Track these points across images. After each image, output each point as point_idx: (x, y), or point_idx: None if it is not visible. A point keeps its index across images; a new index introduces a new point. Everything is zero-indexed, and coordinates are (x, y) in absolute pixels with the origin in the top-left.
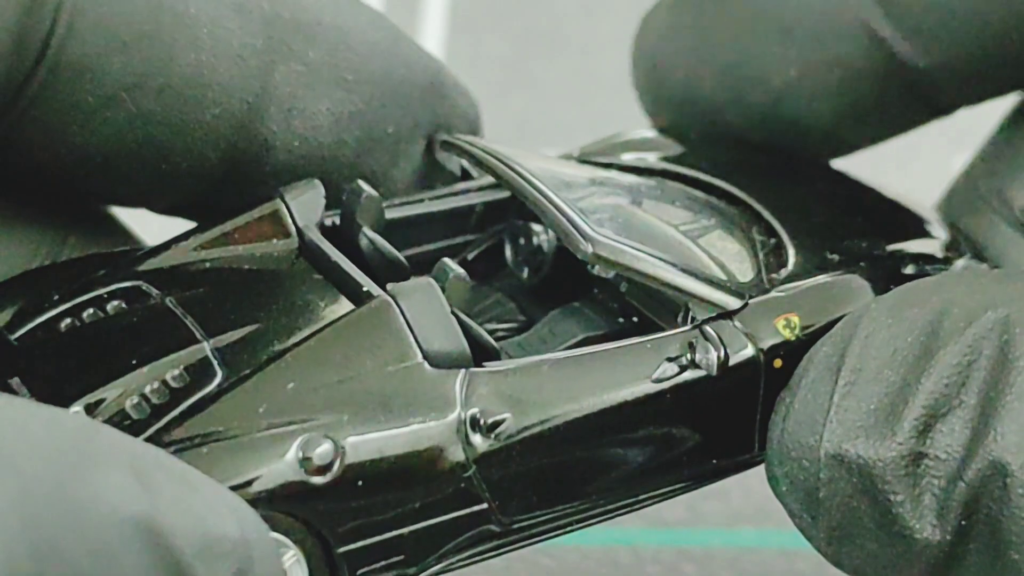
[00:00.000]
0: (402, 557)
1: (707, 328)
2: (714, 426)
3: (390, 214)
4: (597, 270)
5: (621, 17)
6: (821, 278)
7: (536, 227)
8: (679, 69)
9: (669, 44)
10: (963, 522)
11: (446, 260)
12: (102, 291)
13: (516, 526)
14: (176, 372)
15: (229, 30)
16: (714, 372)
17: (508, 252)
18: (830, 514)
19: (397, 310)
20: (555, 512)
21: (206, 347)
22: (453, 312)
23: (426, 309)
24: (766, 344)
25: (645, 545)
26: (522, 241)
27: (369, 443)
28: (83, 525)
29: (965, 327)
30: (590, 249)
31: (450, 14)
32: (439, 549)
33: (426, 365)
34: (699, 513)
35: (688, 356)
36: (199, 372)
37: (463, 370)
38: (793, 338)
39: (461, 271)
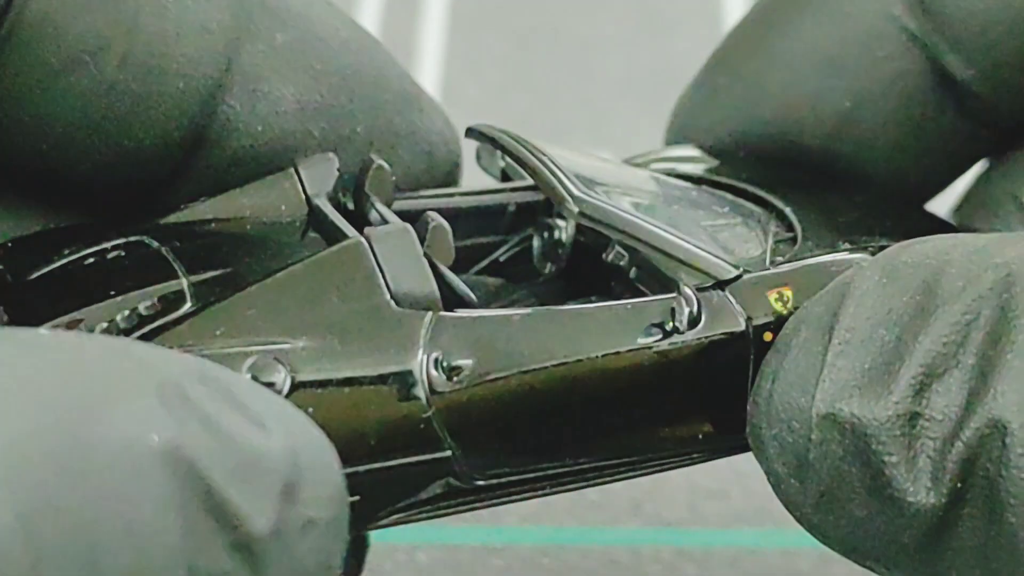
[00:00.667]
0: (358, 498)
1: (685, 289)
2: (700, 399)
3: (418, 204)
4: (611, 257)
5: (621, 17)
6: (823, 257)
7: (558, 221)
8: (725, 127)
9: (711, 109)
10: (959, 484)
11: (430, 212)
12: (107, 244)
13: (481, 482)
14: (149, 303)
15: (196, 1)
16: (684, 328)
17: (535, 249)
18: (819, 477)
19: (369, 250)
20: (521, 469)
21: (183, 282)
22: (433, 262)
23: (398, 252)
24: (757, 316)
25: (645, 545)
26: (545, 235)
27: (322, 370)
28: (105, 459)
29: (964, 286)
30: (575, 208)
31: (450, 14)
32: (399, 494)
33: (392, 304)
34: (699, 513)
35: (670, 322)
36: (170, 303)
37: (430, 313)
38: (785, 312)
39: (443, 222)
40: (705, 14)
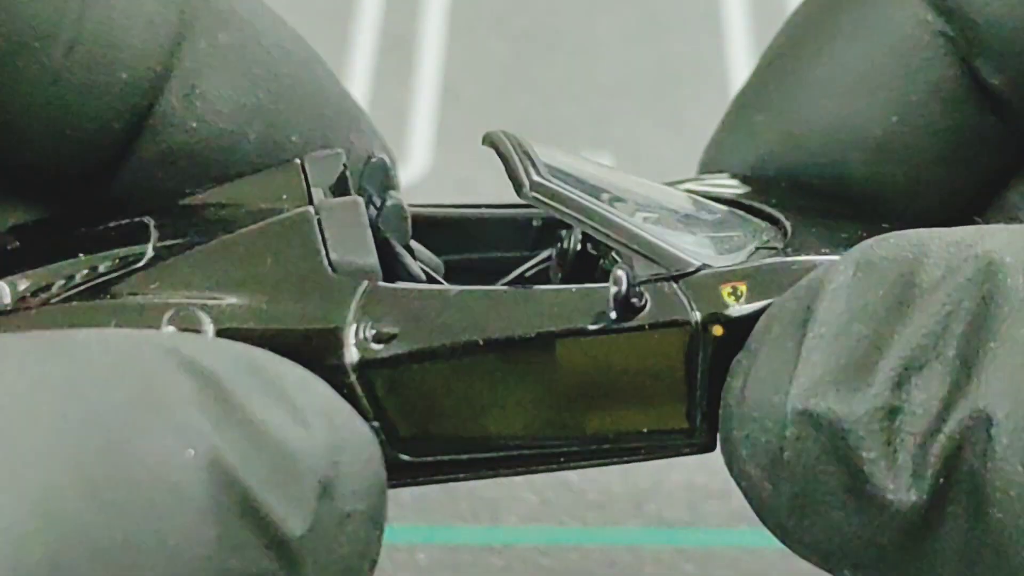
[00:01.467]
0: None
1: (617, 271)
2: (642, 389)
3: (439, 212)
4: (606, 263)
5: (621, 17)
6: (786, 257)
7: (564, 231)
8: (770, 165)
9: (751, 148)
10: (941, 480)
11: (392, 191)
12: (112, 223)
13: (406, 458)
14: (109, 263)
15: None
16: (611, 310)
17: (552, 262)
18: (794, 478)
19: (315, 219)
20: (446, 448)
21: (148, 247)
22: (387, 239)
23: (344, 223)
24: (705, 309)
25: (645, 545)
26: (558, 246)
27: (245, 327)
28: (142, 479)
29: (943, 276)
30: (528, 190)
31: (450, 14)
32: None
33: (329, 271)
34: (699, 513)
35: (613, 309)
36: (128, 263)
37: (365, 282)
38: (737, 306)
39: (400, 200)
40: (705, 15)
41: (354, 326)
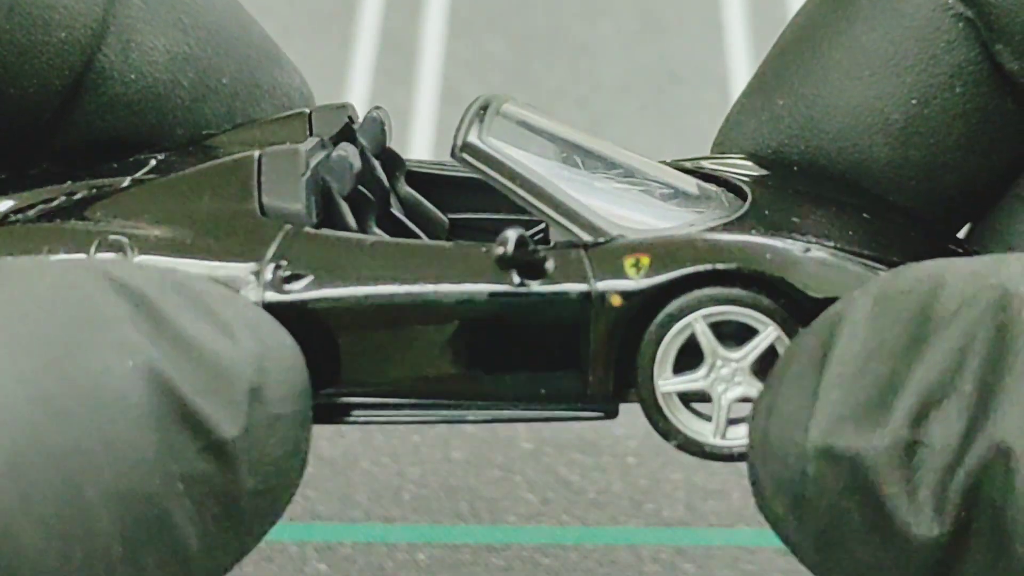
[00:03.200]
0: None
1: (507, 232)
2: (539, 350)
3: (446, 172)
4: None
5: (621, 18)
6: (691, 230)
7: None
8: (792, 150)
9: (773, 133)
10: (963, 514)
11: (344, 144)
12: (131, 159)
13: (315, 401)
14: (84, 193)
15: None
16: (494, 269)
17: None
18: (818, 514)
19: (255, 164)
20: (351, 391)
21: (127, 179)
22: (329, 190)
23: (281, 169)
24: (605, 278)
25: (644, 544)
26: None
27: (164, 259)
28: (88, 390)
29: (957, 310)
30: (458, 151)
31: (450, 15)
32: None
33: (258, 213)
34: (699, 513)
35: (500, 270)
36: (97, 192)
37: (289, 225)
38: (636, 277)
39: (351, 159)
40: (705, 15)
41: (271, 266)
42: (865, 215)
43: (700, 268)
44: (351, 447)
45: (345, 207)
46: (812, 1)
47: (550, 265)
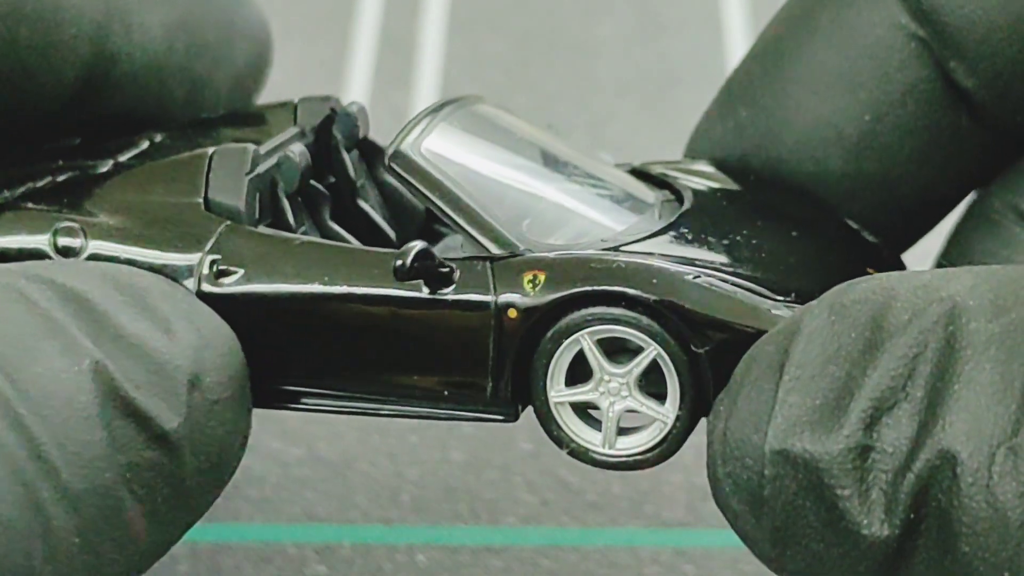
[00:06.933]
0: None
1: (410, 244)
2: (443, 356)
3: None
4: None
5: (621, 17)
6: (587, 251)
7: None
8: (754, 160)
9: (736, 143)
10: (912, 515)
11: (292, 148)
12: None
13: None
14: (69, 174)
15: None
16: (396, 281)
17: None
18: (774, 513)
19: (207, 160)
20: (276, 379)
21: (109, 163)
22: (275, 189)
23: (229, 166)
24: (502, 292)
25: (644, 545)
26: None
27: (113, 247)
28: (42, 394)
29: (909, 319)
30: (386, 160)
31: (450, 15)
32: None
33: (202, 208)
34: (699, 513)
35: (397, 278)
36: (78, 176)
37: (227, 222)
38: (532, 293)
39: (297, 160)
40: (705, 15)
41: (208, 259)
42: (794, 233)
43: (587, 289)
44: (349, 448)
45: (287, 205)
46: (780, 15)
47: (457, 275)
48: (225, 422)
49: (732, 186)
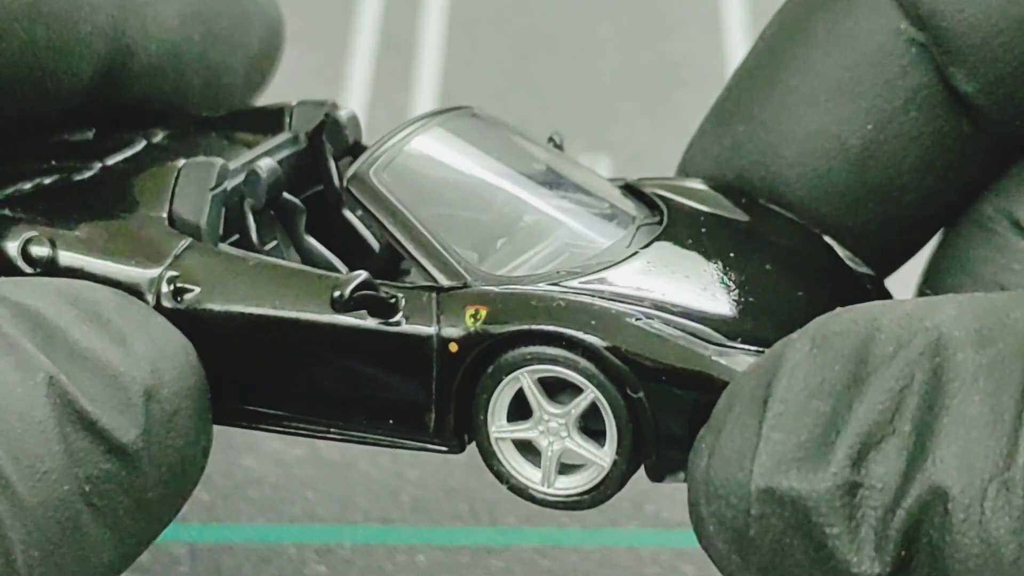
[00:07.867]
0: None
1: (352, 275)
2: (386, 386)
3: None
4: None
5: (621, 18)
6: (532, 287)
7: None
8: (753, 176)
9: (734, 159)
10: (903, 552)
11: (260, 163)
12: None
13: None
14: (55, 176)
15: None
16: (336, 309)
17: None
18: (761, 553)
19: (175, 174)
20: (229, 398)
21: (97, 165)
22: (242, 205)
23: (195, 181)
24: (446, 325)
25: (644, 546)
26: None
27: (79, 259)
28: (2, 411)
29: (895, 352)
30: (344, 183)
31: (449, 15)
32: None
33: (166, 222)
34: None
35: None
36: (63, 179)
37: (188, 239)
38: (473, 328)
39: (260, 171)
40: (705, 15)
41: (167, 275)
42: (768, 267)
43: (523, 327)
44: (349, 449)
45: (251, 221)
46: (771, 27)
47: (402, 305)
48: (185, 432)
49: (719, 210)
